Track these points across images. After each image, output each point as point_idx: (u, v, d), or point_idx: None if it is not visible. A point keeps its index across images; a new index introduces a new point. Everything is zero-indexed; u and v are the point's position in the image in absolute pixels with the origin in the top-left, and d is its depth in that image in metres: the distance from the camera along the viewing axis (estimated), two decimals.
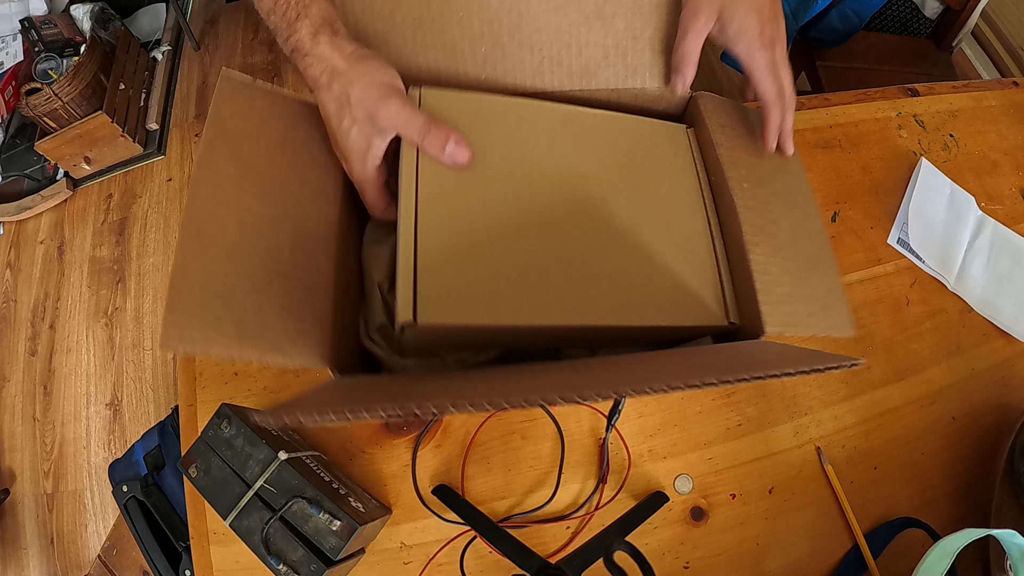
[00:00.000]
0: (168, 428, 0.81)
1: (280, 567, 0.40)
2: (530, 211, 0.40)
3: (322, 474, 0.45)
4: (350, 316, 0.41)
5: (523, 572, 0.41)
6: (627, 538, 0.38)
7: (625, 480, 0.49)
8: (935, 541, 0.41)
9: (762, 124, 0.42)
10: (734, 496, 0.49)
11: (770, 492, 0.49)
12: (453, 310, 0.35)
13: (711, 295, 0.41)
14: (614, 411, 0.46)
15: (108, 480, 0.88)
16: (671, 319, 0.39)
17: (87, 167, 1.68)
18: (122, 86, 1.67)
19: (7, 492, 1.31)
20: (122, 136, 1.65)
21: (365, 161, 0.38)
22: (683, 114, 0.50)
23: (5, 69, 1.62)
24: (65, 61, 1.59)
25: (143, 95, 1.79)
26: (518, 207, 0.40)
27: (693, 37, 0.40)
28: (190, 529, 0.51)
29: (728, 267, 0.42)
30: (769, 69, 0.40)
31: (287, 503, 0.41)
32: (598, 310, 0.38)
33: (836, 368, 0.30)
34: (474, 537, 0.48)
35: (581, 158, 0.44)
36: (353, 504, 0.44)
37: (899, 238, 0.62)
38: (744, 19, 0.38)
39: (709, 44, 0.42)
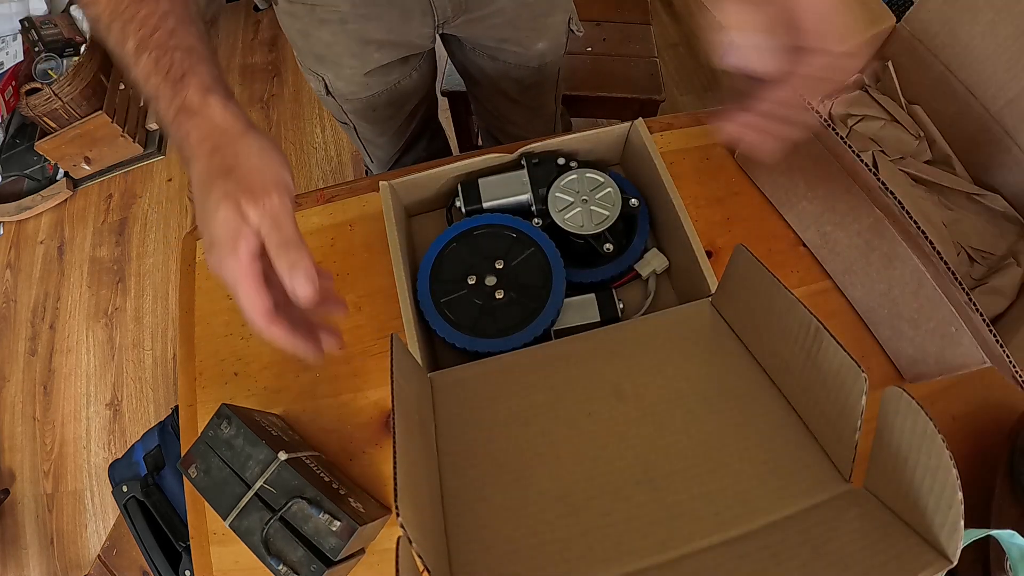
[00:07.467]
0: (168, 428, 0.81)
1: (280, 567, 0.40)
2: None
3: (322, 474, 0.45)
4: None
5: None
6: None
7: None
8: None
9: None
10: None
11: None
12: None
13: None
14: None
15: (108, 480, 0.88)
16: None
17: (87, 167, 1.68)
18: (122, 86, 1.67)
19: (7, 492, 1.31)
20: (122, 136, 1.65)
21: (236, 247, 0.32)
22: None
23: (5, 69, 1.62)
24: (65, 61, 1.59)
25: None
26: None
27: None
28: (190, 529, 0.51)
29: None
30: None
31: (287, 503, 0.41)
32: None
33: None
34: None
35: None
36: (353, 504, 0.44)
37: None
38: None
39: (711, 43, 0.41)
